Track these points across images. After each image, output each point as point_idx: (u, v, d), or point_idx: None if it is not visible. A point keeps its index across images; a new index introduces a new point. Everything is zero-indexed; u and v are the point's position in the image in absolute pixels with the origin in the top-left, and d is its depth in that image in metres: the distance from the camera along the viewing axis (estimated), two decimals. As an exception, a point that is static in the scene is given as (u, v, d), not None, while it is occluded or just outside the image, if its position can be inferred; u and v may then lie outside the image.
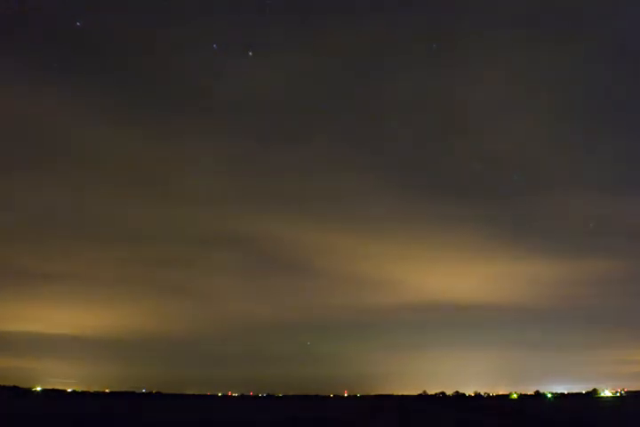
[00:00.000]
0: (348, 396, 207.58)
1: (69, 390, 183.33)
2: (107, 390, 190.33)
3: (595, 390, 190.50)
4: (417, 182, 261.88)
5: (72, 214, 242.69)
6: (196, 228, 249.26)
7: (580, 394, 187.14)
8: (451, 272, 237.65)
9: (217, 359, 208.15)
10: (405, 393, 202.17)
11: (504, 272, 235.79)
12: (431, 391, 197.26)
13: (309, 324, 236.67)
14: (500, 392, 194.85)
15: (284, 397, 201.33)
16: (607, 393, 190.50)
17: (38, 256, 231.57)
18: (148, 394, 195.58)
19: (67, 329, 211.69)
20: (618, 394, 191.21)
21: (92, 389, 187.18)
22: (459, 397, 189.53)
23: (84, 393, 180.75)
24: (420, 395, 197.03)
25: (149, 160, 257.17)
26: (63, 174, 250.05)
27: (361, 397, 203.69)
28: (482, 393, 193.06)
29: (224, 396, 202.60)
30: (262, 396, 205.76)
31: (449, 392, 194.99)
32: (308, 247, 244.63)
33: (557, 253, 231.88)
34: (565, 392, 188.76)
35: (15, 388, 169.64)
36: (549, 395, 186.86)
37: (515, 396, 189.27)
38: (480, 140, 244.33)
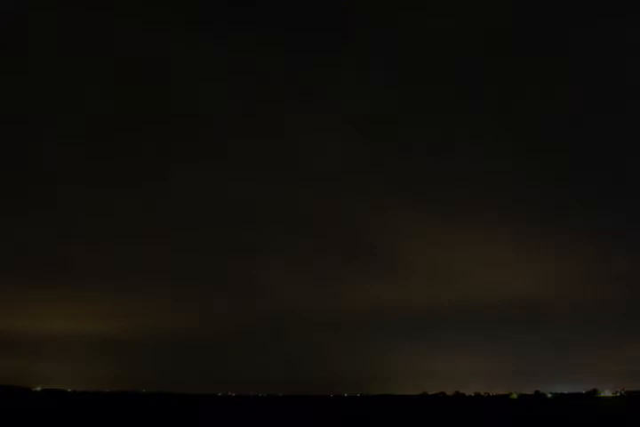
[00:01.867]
0: (348, 396, 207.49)
1: (69, 390, 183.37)
2: (107, 390, 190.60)
3: (595, 390, 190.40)
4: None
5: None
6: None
7: (580, 394, 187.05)
8: (451, 271, 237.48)
9: (217, 359, 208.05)
10: (405, 393, 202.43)
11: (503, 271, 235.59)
12: (431, 391, 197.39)
13: (313, 322, 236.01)
14: (500, 392, 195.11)
15: (284, 397, 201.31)
16: (607, 393, 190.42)
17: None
18: (148, 394, 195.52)
19: (68, 328, 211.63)
20: (618, 394, 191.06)
21: (92, 389, 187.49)
22: (459, 397, 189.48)
23: (84, 393, 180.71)
24: (420, 395, 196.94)
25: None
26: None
27: (361, 397, 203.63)
28: (482, 393, 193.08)
29: (224, 396, 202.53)
30: (262, 396, 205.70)
31: (449, 392, 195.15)
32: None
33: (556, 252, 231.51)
34: (565, 392, 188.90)
35: (15, 388, 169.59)
36: (549, 395, 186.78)
37: (515, 396, 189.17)
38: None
